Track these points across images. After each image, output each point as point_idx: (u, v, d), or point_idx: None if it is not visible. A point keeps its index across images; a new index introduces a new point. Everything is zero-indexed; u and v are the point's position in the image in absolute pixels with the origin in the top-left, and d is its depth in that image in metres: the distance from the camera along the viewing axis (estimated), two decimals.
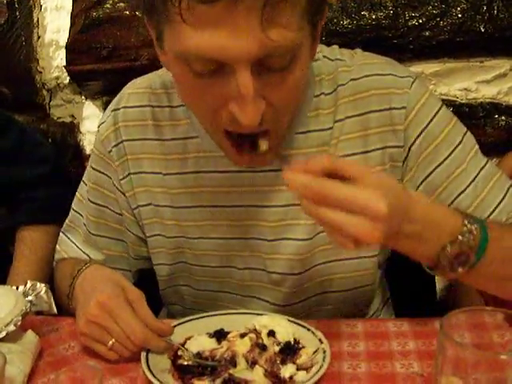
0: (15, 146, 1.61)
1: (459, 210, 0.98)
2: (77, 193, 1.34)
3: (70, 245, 1.33)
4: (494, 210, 1.10)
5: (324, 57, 1.14)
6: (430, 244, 0.92)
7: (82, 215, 1.32)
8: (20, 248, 1.59)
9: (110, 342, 1.02)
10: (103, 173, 1.26)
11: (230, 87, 0.90)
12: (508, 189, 1.13)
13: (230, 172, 1.15)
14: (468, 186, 1.10)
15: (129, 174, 1.22)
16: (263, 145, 0.98)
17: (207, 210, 1.19)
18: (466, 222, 0.93)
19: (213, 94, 0.93)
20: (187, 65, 0.91)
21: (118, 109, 1.22)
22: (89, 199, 1.29)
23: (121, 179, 1.23)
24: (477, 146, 1.14)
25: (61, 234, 1.37)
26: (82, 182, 1.32)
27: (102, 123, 1.25)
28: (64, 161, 1.98)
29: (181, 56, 0.91)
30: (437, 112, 1.11)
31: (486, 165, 1.13)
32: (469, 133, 1.14)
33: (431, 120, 1.10)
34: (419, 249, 0.93)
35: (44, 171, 1.65)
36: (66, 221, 1.36)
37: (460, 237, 0.92)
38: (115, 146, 1.22)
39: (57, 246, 1.37)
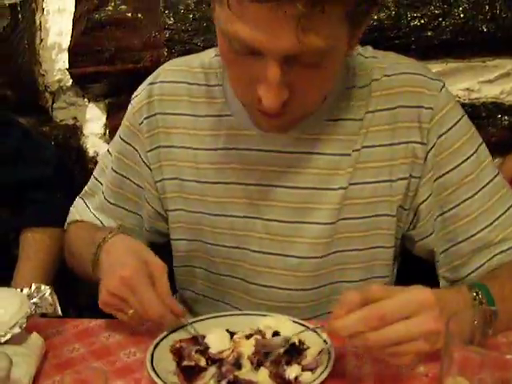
0: (18, 147, 1.61)
1: (462, 285, 1.05)
2: (100, 161, 1.39)
3: (85, 208, 1.38)
4: (494, 221, 1.16)
5: (358, 54, 1.19)
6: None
7: (102, 183, 1.36)
8: (24, 250, 1.58)
9: (130, 311, 1.06)
10: (130, 144, 1.29)
11: (260, 70, 0.95)
12: (511, 205, 1.18)
13: (257, 150, 1.19)
14: (475, 194, 1.15)
15: (158, 146, 1.26)
16: None
17: (230, 186, 1.21)
18: (473, 295, 1.00)
19: (247, 71, 0.99)
20: (228, 41, 0.97)
21: (155, 83, 1.27)
22: (112, 168, 1.33)
23: (148, 151, 1.26)
24: (490, 158, 1.19)
25: (77, 198, 1.42)
26: (106, 151, 1.37)
27: (137, 95, 1.29)
28: (67, 163, 1.99)
29: (222, 33, 0.98)
30: (459, 119, 1.16)
31: (495, 177, 1.18)
32: (484, 144, 1.19)
33: (453, 126, 1.15)
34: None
35: (47, 173, 1.65)
36: (85, 187, 1.40)
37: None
38: (147, 118, 1.26)
39: (71, 208, 1.42)
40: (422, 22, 1.69)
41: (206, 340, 1.05)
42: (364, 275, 1.22)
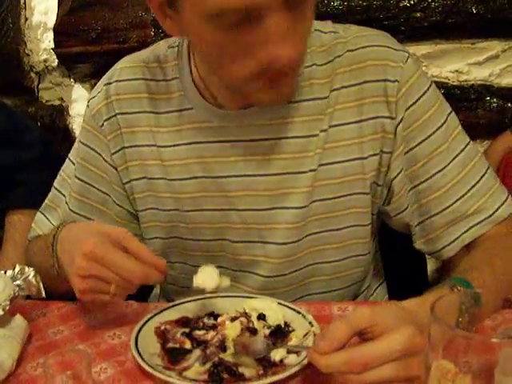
0: (3, 129, 1.59)
1: (443, 282, 0.99)
2: (61, 171, 1.32)
3: (47, 223, 1.31)
4: (467, 192, 1.14)
5: (316, 30, 1.16)
6: None
7: (64, 195, 1.31)
8: (9, 232, 1.58)
9: (112, 288, 1.00)
10: (92, 148, 1.25)
11: (264, 32, 0.92)
12: (484, 173, 1.15)
13: (223, 142, 1.16)
14: (447, 165, 1.13)
15: (122, 147, 1.22)
16: None
17: (201, 180, 1.19)
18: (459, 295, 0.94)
19: (244, 44, 0.95)
20: (211, 22, 0.93)
21: (110, 83, 1.23)
22: (75, 176, 1.28)
23: (113, 153, 1.23)
24: (460, 127, 1.16)
25: (38, 213, 1.34)
26: (67, 160, 1.31)
27: (93, 97, 1.24)
28: (53, 144, 1.97)
29: (208, 13, 0.92)
30: (426, 90, 1.13)
31: (467, 146, 1.15)
32: (453, 113, 1.17)
33: (420, 97, 1.12)
34: None
35: (33, 155, 1.63)
36: (46, 200, 1.34)
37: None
38: (107, 119, 1.22)
39: (32, 225, 1.34)
40: (411, 3, 1.68)
41: (194, 278, 1.03)
42: (342, 255, 1.21)
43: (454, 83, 1.75)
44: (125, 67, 1.23)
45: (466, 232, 1.15)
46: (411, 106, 1.12)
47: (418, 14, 1.66)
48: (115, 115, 1.21)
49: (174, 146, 1.19)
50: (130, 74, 1.22)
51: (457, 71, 1.74)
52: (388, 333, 0.81)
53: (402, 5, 1.66)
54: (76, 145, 1.30)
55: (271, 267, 1.21)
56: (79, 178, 1.27)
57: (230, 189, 1.18)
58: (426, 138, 1.13)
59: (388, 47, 1.13)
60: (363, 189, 1.16)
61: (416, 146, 1.13)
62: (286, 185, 1.16)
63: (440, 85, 1.74)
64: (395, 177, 1.15)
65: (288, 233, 1.18)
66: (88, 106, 1.25)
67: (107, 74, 1.25)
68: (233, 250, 1.22)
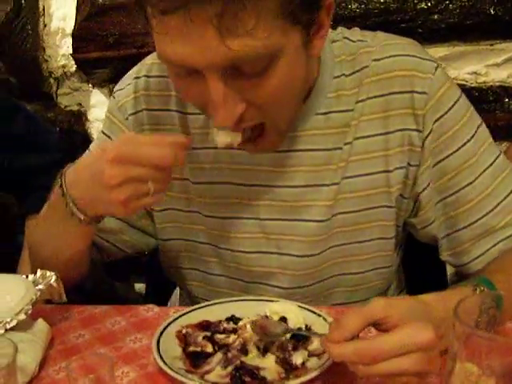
0: (23, 132, 1.60)
1: (466, 281, 1.00)
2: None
3: None
4: (496, 206, 1.12)
5: (344, 38, 1.14)
6: None
7: None
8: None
9: (151, 187, 0.97)
10: (112, 139, 1.24)
11: (205, 89, 0.91)
12: None
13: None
14: (476, 179, 1.11)
15: None
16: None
17: (222, 186, 1.18)
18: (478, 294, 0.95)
19: (195, 92, 0.95)
20: (168, 66, 0.96)
21: (139, 77, 1.21)
22: None
23: None
24: (490, 139, 1.14)
25: None
26: (87, 151, 1.30)
27: (121, 90, 1.23)
28: (73, 149, 1.98)
29: (161, 59, 0.94)
30: (456, 101, 1.11)
31: (496, 159, 1.13)
32: (483, 125, 1.14)
33: (450, 109, 1.10)
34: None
35: (52, 159, 1.64)
36: None
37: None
38: (133, 114, 1.21)
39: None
40: (429, 4, 1.67)
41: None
42: (365, 267, 1.19)
43: (472, 85, 1.74)
44: (155, 63, 1.21)
45: (494, 246, 1.13)
46: (440, 118, 1.09)
47: (436, 16, 1.65)
48: (142, 110, 1.21)
49: (199, 148, 1.18)
50: (160, 71, 1.20)
51: (475, 73, 1.73)
52: (401, 326, 0.82)
53: (419, 7, 1.65)
54: (98, 135, 1.29)
55: (288, 279, 1.20)
56: None
57: (251, 197, 1.17)
58: (455, 151, 1.10)
59: (416, 57, 1.10)
60: (388, 202, 1.14)
61: (445, 158, 1.11)
62: (307, 197, 1.15)
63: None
64: (423, 190, 1.13)
65: (307, 246, 1.17)
66: (114, 97, 1.24)
67: (136, 67, 1.24)
68: (246, 261, 1.21)
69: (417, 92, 1.09)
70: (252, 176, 1.16)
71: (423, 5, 1.66)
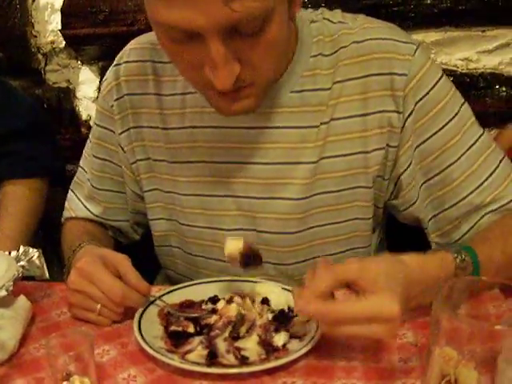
0: None
1: (446, 246, 1.05)
2: (84, 150, 1.38)
3: (76, 202, 1.39)
4: (482, 183, 1.12)
5: (324, 19, 1.15)
6: (432, 292, 0.90)
7: (86, 171, 1.36)
8: (3, 204, 1.56)
9: (98, 307, 1.03)
10: (106, 128, 1.29)
11: (204, 53, 0.92)
12: (499, 163, 1.14)
13: (222, 128, 1.16)
14: (460, 157, 1.12)
15: (128, 128, 1.25)
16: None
17: (197, 165, 1.20)
18: (458, 262, 0.98)
19: (190, 58, 0.96)
20: (164, 31, 0.95)
21: (120, 64, 1.25)
22: (93, 155, 1.33)
23: (120, 133, 1.26)
24: (473, 118, 1.14)
25: (69, 191, 1.41)
26: (88, 141, 1.36)
27: (105, 79, 1.28)
28: (60, 125, 1.98)
29: (158, 24, 0.94)
30: (437, 81, 1.11)
31: (480, 137, 1.13)
32: (466, 104, 1.14)
33: (431, 89, 1.10)
34: (424, 300, 0.94)
35: (23, 124, 1.61)
36: (74, 178, 1.41)
37: (456, 270, 0.98)
38: (117, 99, 1.25)
39: (66, 203, 1.41)
40: None
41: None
42: (342, 247, 1.20)
43: (463, 71, 1.72)
44: (134, 48, 1.25)
45: (480, 219, 1.14)
46: (422, 98, 1.10)
47: (428, 1, 1.64)
48: (123, 96, 1.24)
49: (176, 128, 1.20)
50: (138, 56, 1.23)
51: (466, 59, 1.72)
52: (369, 294, 0.85)
53: None
54: (92, 126, 1.34)
55: (270, 255, 1.20)
56: (96, 156, 1.33)
57: (227, 175, 1.18)
58: (438, 131, 1.11)
59: (395, 40, 1.11)
60: (366, 183, 1.15)
61: (428, 138, 1.11)
62: (284, 175, 1.15)
63: (449, 72, 1.72)
64: (404, 171, 1.14)
65: (284, 223, 1.17)
66: (101, 87, 1.29)
67: (119, 55, 1.27)
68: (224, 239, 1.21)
69: (396, 74, 1.09)
70: (226, 153, 1.17)
71: None
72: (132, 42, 1.28)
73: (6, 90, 1.62)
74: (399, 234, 1.31)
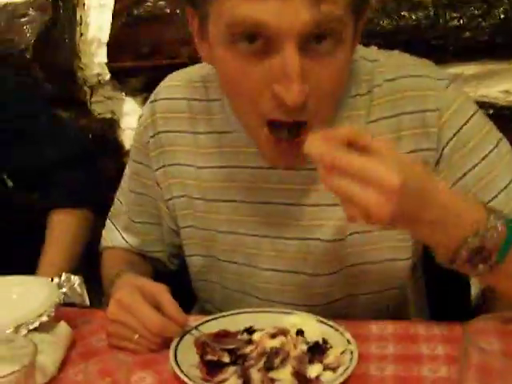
0: (44, 129, 1.61)
1: (487, 205, 0.95)
2: (121, 183, 1.40)
3: (114, 232, 1.40)
4: None
5: (361, 57, 1.13)
6: (450, 234, 0.89)
7: (122, 204, 1.38)
8: (50, 234, 1.58)
9: (136, 336, 1.04)
10: (141, 163, 1.29)
11: (276, 66, 0.91)
12: None
13: (263, 168, 1.15)
14: (500, 193, 1.08)
15: (164, 165, 1.25)
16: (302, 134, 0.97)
17: (236, 204, 1.19)
18: (491, 218, 0.89)
19: (257, 75, 0.94)
20: (232, 43, 0.93)
21: (156, 100, 1.25)
22: (129, 189, 1.34)
23: (155, 170, 1.26)
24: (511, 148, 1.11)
25: (107, 220, 1.43)
26: (124, 175, 1.38)
27: (142, 115, 1.29)
28: (105, 155, 2.01)
29: (227, 32, 0.93)
30: (472, 115, 1.09)
31: None
32: (504, 139, 1.11)
33: (465, 123, 1.08)
34: (439, 237, 0.90)
35: (70, 155, 1.63)
36: (112, 208, 1.42)
37: (483, 231, 0.88)
38: (152, 136, 1.25)
39: (103, 232, 1.43)
40: (461, 22, 1.66)
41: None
42: (380, 287, 1.19)
43: (503, 104, 1.72)
44: (170, 85, 1.26)
45: None
46: (456, 133, 1.07)
47: (468, 34, 1.64)
48: (159, 133, 1.24)
49: (212, 167, 1.20)
50: (174, 93, 1.24)
51: (506, 91, 1.72)
52: (375, 157, 0.81)
53: (451, 24, 1.64)
54: (129, 161, 1.35)
55: (302, 297, 1.20)
56: (133, 191, 1.34)
57: (265, 215, 1.18)
58: (473, 166, 1.08)
59: (428, 77, 1.09)
60: None
61: (464, 174, 1.08)
62: (321, 216, 1.15)
63: (489, 105, 1.72)
64: None
65: (322, 265, 1.17)
66: (138, 123, 1.30)
67: (155, 91, 1.28)
68: (262, 278, 1.22)
69: (429, 110, 1.07)
70: (265, 194, 1.17)
71: (455, 22, 1.65)
72: (168, 78, 1.28)
73: (55, 121, 1.66)
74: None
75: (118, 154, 2.07)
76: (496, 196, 1.08)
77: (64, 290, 1.11)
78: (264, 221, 1.18)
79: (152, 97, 1.28)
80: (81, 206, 1.62)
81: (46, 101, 1.76)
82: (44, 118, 1.63)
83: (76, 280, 1.13)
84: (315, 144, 0.83)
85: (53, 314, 1.05)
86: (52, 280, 1.13)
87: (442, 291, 1.39)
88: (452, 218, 0.88)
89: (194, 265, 1.30)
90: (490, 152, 1.08)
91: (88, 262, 1.59)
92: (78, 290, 1.12)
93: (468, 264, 0.90)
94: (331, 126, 1.08)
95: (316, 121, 0.98)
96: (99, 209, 1.67)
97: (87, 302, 1.13)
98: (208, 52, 1.03)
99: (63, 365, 1.03)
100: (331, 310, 1.19)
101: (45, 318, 1.03)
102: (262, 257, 1.20)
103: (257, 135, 1.03)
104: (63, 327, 1.07)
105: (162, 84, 1.28)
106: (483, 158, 1.08)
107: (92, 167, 1.68)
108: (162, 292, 1.08)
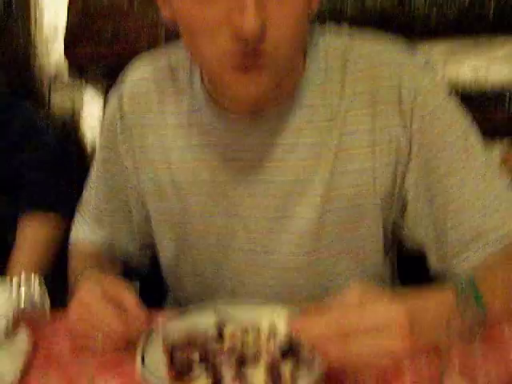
0: (23, 130, 1.61)
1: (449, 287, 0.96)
2: (91, 172, 1.37)
3: (81, 225, 1.39)
4: (486, 208, 1.07)
5: (332, 32, 1.14)
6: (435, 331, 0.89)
7: (92, 194, 1.36)
8: (20, 238, 1.58)
9: (99, 335, 1.03)
10: (109, 147, 1.28)
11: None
12: (505, 189, 1.10)
13: (229, 146, 1.14)
14: (465, 178, 1.08)
15: (132, 147, 1.24)
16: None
17: (206, 184, 1.18)
18: (459, 294, 0.93)
19: (215, 11, 0.92)
20: None
21: (124, 82, 1.25)
22: (97, 177, 1.33)
23: (124, 153, 1.25)
24: (479, 138, 1.11)
25: (76, 212, 1.41)
26: (94, 161, 1.35)
27: (109, 98, 1.28)
28: (66, 148, 1.98)
29: None
30: (444, 98, 1.09)
31: (486, 160, 1.10)
32: (472, 123, 1.11)
33: (438, 105, 1.08)
34: (429, 337, 0.88)
35: (45, 157, 1.63)
36: (82, 197, 1.40)
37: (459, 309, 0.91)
38: (120, 118, 1.24)
39: (72, 226, 1.41)
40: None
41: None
42: (355, 267, 1.19)
43: (472, 84, 1.72)
44: (137, 66, 1.26)
45: (483, 248, 1.08)
46: (428, 114, 1.07)
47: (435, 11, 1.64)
48: (126, 114, 1.23)
49: (181, 147, 1.19)
50: (141, 74, 1.23)
51: (475, 68, 1.72)
52: (365, 303, 0.81)
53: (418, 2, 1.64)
54: (98, 146, 1.34)
55: (278, 278, 1.19)
56: (101, 178, 1.32)
57: (236, 194, 1.16)
58: (443, 149, 1.08)
59: (403, 53, 1.10)
60: (374, 199, 1.12)
61: (433, 157, 1.08)
62: (296, 192, 1.13)
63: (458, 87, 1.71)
64: (409, 188, 1.11)
65: (297, 243, 1.16)
66: (105, 106, 1.29)
67: (121, 73, 1.27)
68: (235, 259, 1.21)
69: (404, 87, 1.07)
70: (235, 172, 1.15)
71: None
72: (134, 59, 1.27)
73: (29, 119, 1.64)
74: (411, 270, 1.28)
75: (79, 143, 2.02)
76: (462, 180, 1.08)
77: (23, 289, 1.11)
78: (234, 200, 1.16)
79: (119, 79, 1.27)
80: (52, 211, 1.61)
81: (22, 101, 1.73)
82: (17, 121, 1.61)
83: (36, 279, 1.13)
84: (306, 327, 0.82)
85: (12, 317, 1.02)
86: (11, 280, 1.12)
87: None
88: (434, 319, 0.89)
89: (166, 251, 1.29)
90: (459, 136, 1.08)
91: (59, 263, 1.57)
92: (38, 289, 1.11)
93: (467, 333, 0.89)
94: (302, 100, 1.10)
95: (274, 64, 0.96)
96: (72, 214, 1.65)
97: (47, 302, 1.12)
98: (169, 8, 1.01)
99: (24, 369, 0.99)
100: (308, 291, 1.19)
101: (3, 322, 1.00)
102: (234, 237, 1.19)
103: (220, 74, 0.99)
104: (23, 330, 1.05)
105: (129, 66, 1.27)
106: (452, 142, 1.08)
107: (63, 173, 1.66)
108: (123, 290, 1.07)
